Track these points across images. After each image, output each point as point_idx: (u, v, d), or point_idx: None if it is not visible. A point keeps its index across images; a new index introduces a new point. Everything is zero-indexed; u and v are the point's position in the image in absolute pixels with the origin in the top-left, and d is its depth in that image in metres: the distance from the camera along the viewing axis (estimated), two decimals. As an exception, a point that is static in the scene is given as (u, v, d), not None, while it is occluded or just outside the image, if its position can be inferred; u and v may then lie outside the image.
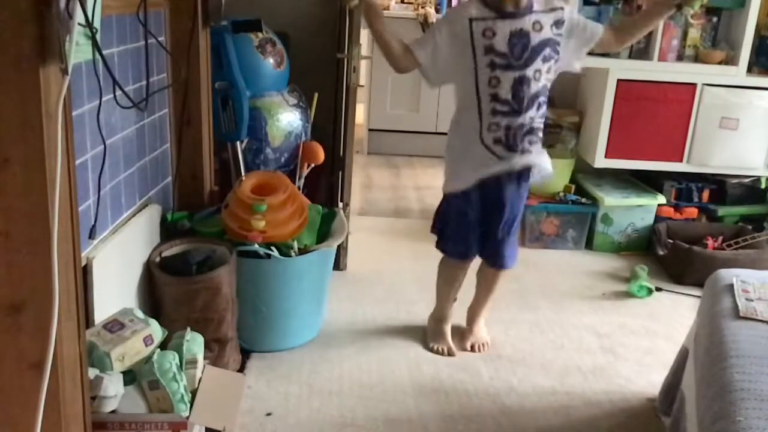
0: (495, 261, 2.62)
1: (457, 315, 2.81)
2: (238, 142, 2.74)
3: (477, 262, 2.69)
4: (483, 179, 2.42)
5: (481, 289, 2.75)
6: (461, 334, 2.78)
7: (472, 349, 2.73)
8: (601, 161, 3.69)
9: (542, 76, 2.34)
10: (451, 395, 2.45)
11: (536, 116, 2.38)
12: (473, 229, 2.53)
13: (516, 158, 2.39)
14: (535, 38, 2.29)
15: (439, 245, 2.65)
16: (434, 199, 4.59)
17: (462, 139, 2.44)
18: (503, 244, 2.56)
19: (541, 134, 2.44)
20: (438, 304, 2.78)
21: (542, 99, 2.38)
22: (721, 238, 3.59)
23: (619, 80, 3.56)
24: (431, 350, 2.71)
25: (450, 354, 2.69)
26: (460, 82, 2.41)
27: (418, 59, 2.36)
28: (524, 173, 2.46)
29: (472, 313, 2.80)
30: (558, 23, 2.33)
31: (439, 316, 2.78)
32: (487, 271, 2.68)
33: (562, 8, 2.34)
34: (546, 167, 2.48)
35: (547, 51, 2.32)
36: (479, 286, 2.75)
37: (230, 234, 2.43)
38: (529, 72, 2.30)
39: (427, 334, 2.79)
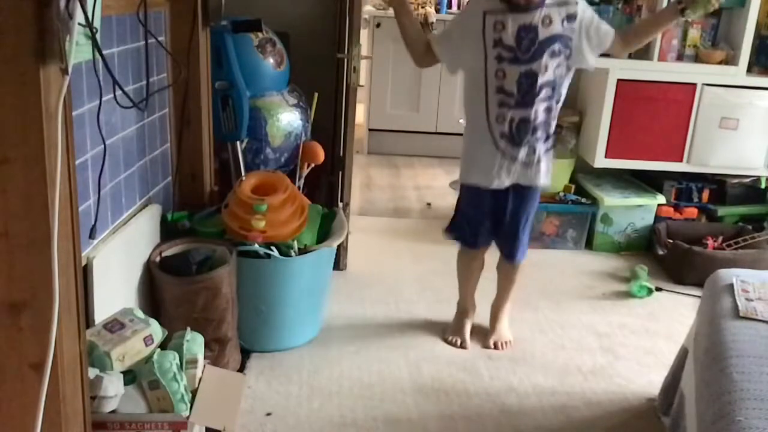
0: (505, 252, 2.70)
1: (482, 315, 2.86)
2: (238, 142, 2.74)
3: (495, 257, 2.76)
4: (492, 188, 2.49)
5: (500, 285, 2.81)
6: (485, 333, 2.82)
7: (495, 347, 2.76)
8: (601, 161, 3.69)
9: (550, 70, 2.34)
10: (451, 395, 2.45)
11: (540, 110, 2.38)
12: (482, 220, 2.60)
13: (521, 152, 2.42)
14: (543, 33, 2.30)
15: (450, 232, 2.72)
16: (434, 198, 4.63)
17: (474, 130, 2.49)
18: (513, 238, 2.63)
19: (550, 132, 2.47)
20: (459, 295, 2.85)
21: (550, 94, 2.39)
22: (721, 238, 3.59)
23: (619, 80, 3.56)
24: (446, 341, 2.77)
25: (462, 347, 2.74)
26: (470, 72, 2.46)
27: (439, 56, 2.47)
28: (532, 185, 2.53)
29: (495, 310, 2.84)
30: (570, 17, 2.33)
31: (460, 308, 2.85)
32: (502, 265, 2.76)
33: (576, 2, 2.34)
34: (543, 179, 2.51)
35: (557, 46, 2.32)
36: (498, 281, 2.81)
37: (230, 234, 2.43)
38: (536, 66, 2.32)
39: (449, 326, 2.85)
